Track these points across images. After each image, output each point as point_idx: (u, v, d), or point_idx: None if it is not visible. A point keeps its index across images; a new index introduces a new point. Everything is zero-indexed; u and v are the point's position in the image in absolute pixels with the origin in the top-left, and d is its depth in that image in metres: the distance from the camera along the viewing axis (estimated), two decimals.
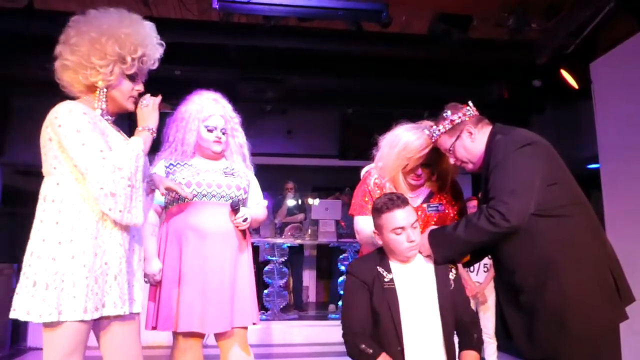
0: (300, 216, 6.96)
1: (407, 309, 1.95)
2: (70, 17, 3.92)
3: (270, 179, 5.00)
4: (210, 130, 2.42)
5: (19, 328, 5.76)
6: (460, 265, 3.82)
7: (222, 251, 2.33)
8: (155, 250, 2.36)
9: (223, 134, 2.45)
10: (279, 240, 6.12)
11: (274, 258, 5.98)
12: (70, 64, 1.68)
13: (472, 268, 4.14)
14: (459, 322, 2.03)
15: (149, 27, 1.77)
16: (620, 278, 1.85)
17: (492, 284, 4.04)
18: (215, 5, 3.42)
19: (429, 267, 2.05)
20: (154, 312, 2.32)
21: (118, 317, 1.67)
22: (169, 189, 2.07)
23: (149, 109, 1.77)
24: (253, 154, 2.66)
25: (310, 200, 7.56)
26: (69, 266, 1.54)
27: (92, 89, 1.71)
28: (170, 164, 2.41)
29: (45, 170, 1.64)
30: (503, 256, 1.95)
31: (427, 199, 2.33)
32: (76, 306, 1.52)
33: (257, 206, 2.56)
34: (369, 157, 2.46)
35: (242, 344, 2.37)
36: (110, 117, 1.78)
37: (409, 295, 1.98)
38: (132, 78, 1.75)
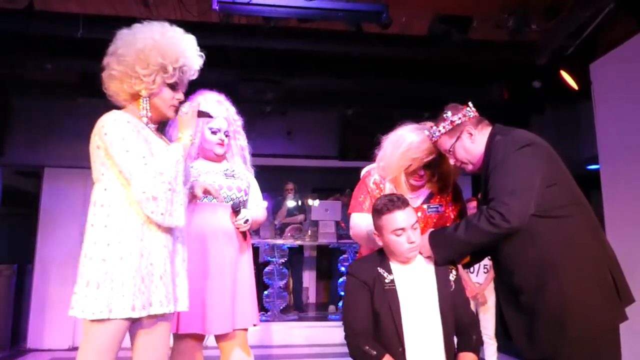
0: (300, 217, 6.97)
1: (407, 310, 1.95)
2: (70, 18, 3.94)
3: (270, 180, 5.00)
4: (214, 133, 2.43)
5: (19, 329, 5.77)
6: (460, 266, 3.82)
7: (223, 252, 2.33)
8: None
9: (226, 136, 2.45)
10: (278, 241, 6.12)
11: (273, 259, 5.98)
12: (117, 74, 1.76)
13: (472, 269, 4.15)
14: (458, 323, 2.03)
15: (190, 40, 1.85)
16: (620, 279, 1.85)
17: (492, 285, 4.04)
18: (215, 6, 3.43)
19: (430, 268, 2.05)
20: None
21: (162, 316, 1.75)
22: (206, 192, 2.15)
23: (188, 116, 1.84)
24: (253, 155, 2.66)
25: (310, 201, 7.57)
26: (117, 267, 1.63)
27: (136, 97, 1.80)
28: None
29: (94, 176, 1.74)
30: (503, 257, 1.95)
31: (427, 200, 2.33)
32: (125, 304, 1.61)
33: (257, 208, 2.57)
34: (369, 158, 2.46)
35: (243, 345, 2.37)
36: (153, 125, 1.86)
37: (409, 296, 1.98)
38: (173, 87, 1.82)
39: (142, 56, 1.73)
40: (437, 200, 2.33)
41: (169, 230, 1.74)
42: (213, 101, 2.47)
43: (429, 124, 2.18)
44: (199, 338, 2.34)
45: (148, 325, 1.76)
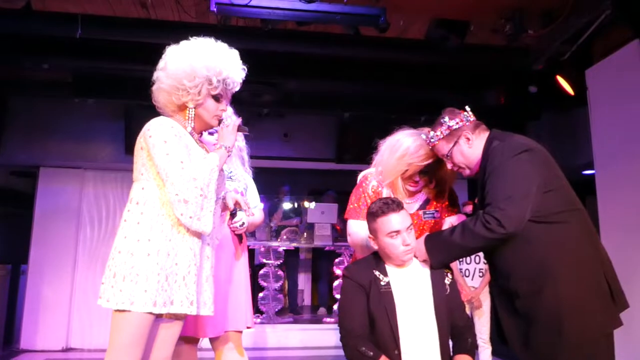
0: (296, 220, 6.96)
1: (403, 313, 1.96)
2: (67, 18, 3.94)
3: (267, 182, 5.00)
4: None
5: (13, 330, 5.74)
6: (456, 270, 3.84)
7: (217, 256, 2.33)
8: None
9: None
10: (274, 244, 6.12)
11: (269, 261, 5.97)
12: (166, 87, 1.85)
13: (467, 273, 4.16)
14: (453, 327, 2.03)
15: (233, 54, 1.94)
16: (615, 284, 1.86)
17: (487, 289, 4.05)
18: (213, 8, 3.42)
19: (425, 272, 2.06)
20: None
21: (179, 317, 1.82)
22: (237, 204, 2.19)
23: (229, 129, 1.91)
24: (250, 157, 2.66)
25: (306, 204, 7.57)
26: (144, 262, 1.69)
27: (182, 108, 1.89)
28: None
29: (134, 176, 1.83)
30: (499, 261, 1.96)
31: (423, 206, 2.33)
32: (147, 299, 1.66)
33: (254, 210, 2.55)
34: (365, 161, 2.46)
35: (237, 347, 2.37)
36: (196, 134, 1.93)
37: (405, 299, 1.98)
38: (217, 98, 1.90)
39: (189, 70, 1.82)
40: (433, 206, 2.34)
41: (197, 234, 1.80)
42: None
43: (426, 129, 2.19)
44: (194, 340, 2.34)
45: (166, 322, 1.81)
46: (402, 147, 2.20)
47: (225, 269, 2.34)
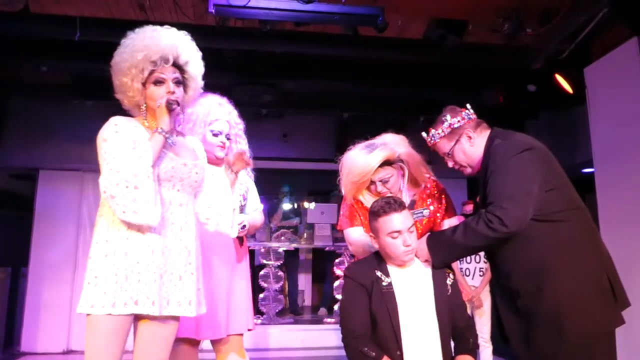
0: (296, 220, 6.95)
1: (405, 313, 1.96)
2: (66, 20, 3.92)
3: (266, 183, 5.00)
4: (215, 135, 2.39)
5: (13, 333, 5.73)
6: (456, 270, 3.84)
7: (219, 258, 2.33)
8: None
9: (227, 139, 2.42)
10: (274, 244, 6.11)
11: (269, 262, 5.97)
12: (117, 89, 1.85)
13: (468, 272, 4.16)
14: (455, 327, 2.03)
15: (151, 30, 1.83)
16: (617, 283, 1.86)
17: (487, 288, 4.05)
18: (212, 9, 3.42)
19: (427, 272, 2.06)
20: None
21: (157, 319, 1.75)
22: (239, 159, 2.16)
23: (160, 109, 1.80)
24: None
25: (306, 204, 7.56)
26: (101, 264, 1.67)
27: (137, 106, 1.86)
28: None
29: None
30: (500, 260, 1.96)
31: (410, 207, 2.33)
32: (105, 301, 1.63)
33: (254, 212, 2.56)
34: None
35: (238, 349, 2.36)
36: (164, 130, 1.85)
37: (407, 299, 1.98)
38: (157, 83, 1.81)
39: (117, 69, 1.81)
40: (421, 204, 2.34)
41: (157, 230, 1.73)
42: (215, 103, 2.45)
43: (429, 129, 2.17)
44: (195, 342, 2.33)
45: (159, 322, 1.77)
46: (344, 169, 2.25)
47: (226, 272, 2.33)
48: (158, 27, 1.85)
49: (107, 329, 1.64)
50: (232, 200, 2.05)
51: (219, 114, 2.42)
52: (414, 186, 2.35)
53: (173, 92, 1.81)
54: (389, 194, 2.22)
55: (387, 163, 2.23)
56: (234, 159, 2.13)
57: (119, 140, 1.70)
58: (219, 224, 2.01)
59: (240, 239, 2.41)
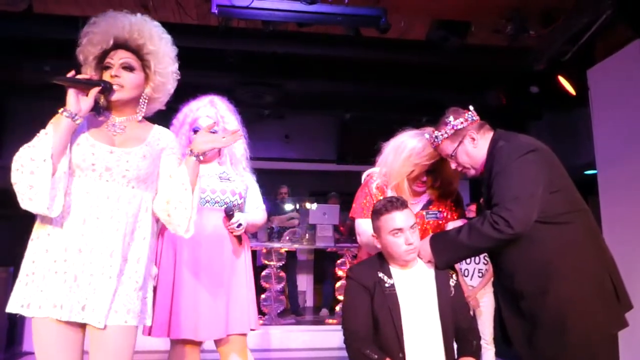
0: (295, 221, 6.93)
1: (408, 315, 1.95)
2: (69, 20, 3.91)
3: (268, 184, 5.00)
4: (195, 132, 2.34)
5: (15, 332, 5.73)
6: (457, 269, 3.82)
7: (216, 257, 2.32)
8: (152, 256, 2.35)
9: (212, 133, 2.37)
10: (276, 245, 6.11)
11: (271, 263, 5.97)
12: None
13: (466, 272, 4.16)
14: (457, 329, 2.02)
15: (106, 17, 1.76)
16: (620, 285, 1.86)
17: (488, 289, 4.04)
18: (214, 10, 3.42)
19: (430, 273, 2.05)
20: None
21: (94, 328, 1.61)
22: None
23: (70, 91, 1.61)
24: (250, 159, 2.65)
25: (307, 205, 7.56)
26: (24, 262, 1.63)
27: None
28: None
29: None
30: (504, 262, 1.95)
31: (426, 206, 2.33)
32: (15, 300, 1.60)
33: (255, 211, 2.54)
34: (367, 162, 2.46)
35: (241, 350, 2.34)
36: (111, 116, 1.77)
37: (409, 301, 1.98)
38: (106, 68, 1.75)
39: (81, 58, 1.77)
40: (436, 206, 2.34)
41: (75, 225, 1.60)
42: (205, 102, 2.44)
43: (430, 128, 2.19)
44: (196, 343, 2.31)
45: (91, 336, 1.64)
46: (407, 148, 2.20)
47: (222, 270, 2.32)
48: (114, 13, 1.77)
49: (37, 330, 1.59)
50: (191, 196, 1.77)
51: (202, 112, 2.40)
52: (440, 194, 2.34)
53: (115, 76, 1.71)
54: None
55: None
56: (196, 138, 1.84)
57: (44, 132, 1.60)
58: (173, 217, 1.76)
59: (238, 237, 2.39)
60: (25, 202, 1.53)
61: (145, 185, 1.76)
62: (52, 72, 1.58)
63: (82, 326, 1.62)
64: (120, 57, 1.74)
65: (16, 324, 5.78)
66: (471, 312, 4.00)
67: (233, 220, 2.34)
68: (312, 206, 6.73)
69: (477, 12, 3.90)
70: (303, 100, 5.72)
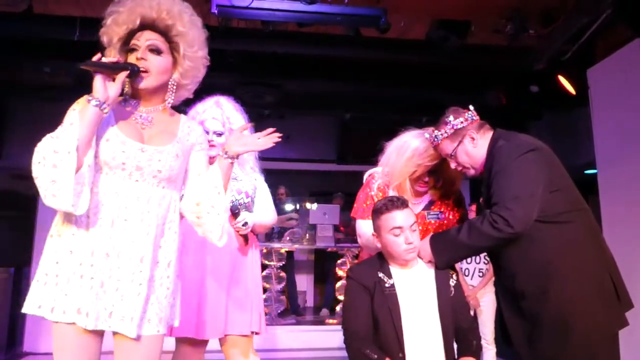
0: (294, 222, 6.93)
1: (408, 315, 1.95)
2: (68, 21, 3.91)
3: (268, 184, 5.00)
4: (219, 135, 2.36)
5: (16, 333, 5.73)
6: (457, 269, 3.82)
7: (220, 256, 2.30)
8: None
9: (218, 135, 2.37)
10: (276, 245, 6.11)
11: (271, 263, 5.97)
12: None
13: (467, 272, 4.16)
14: (457, 329, 2.02)
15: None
16: (620, 284, 1.86)
17: (489, 289, 4.04)
18: (214, 10, 3.42)
19: (430, 273, 2.05)
20: None
21: (124, 337, 1.51)
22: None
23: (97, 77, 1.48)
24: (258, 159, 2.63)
25: (308, 205, 7.56)
26: (45, 261, 1.52)
27: None
28: None
29: None
30: (504, 261, 1.95)
31: (427, 207, 2.33)
32: (38, 301, 1.48)
33: (263, 211, 2.49)
34: (367, 162, 2.45)
35: (244, 352, 2.31)
36: (137, 105, 1.65)
37: (409, 301, 1.98)
38: (131, 51, 1.61)
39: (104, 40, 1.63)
40: (438, 207, 2.34)
41: (103, 227, 1.49)
42: (211, 103, 2.44)
43: (431, 128, 2.19)
44: (200, 343, 2.30)
45: (117, 346, 1.55)
46: (410, 148, 2.20)
47: (227, 270, 2.31)
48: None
49: (58, 337, 1.49)
50: (224, 200, 1.68)
51: (208, 114, 2.39)
52: (442, 194, 2.34)
53: (142, 59, 1.58)
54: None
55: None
56: (230, 139, 1.77)
57: (67, 117, 1.49)
58: (205, 224, 1.67)
59: (244, 237, 2.36)
60: (49, 198, 1.40)
61: (175, 185, 1.65)
62: (80, 63, 1.42)
63: (102, 332, 1.52)
64: (147, 38, 1.60)
65: (17, 324, 5.78)
66: (471, 312, 4.00)
67: (238, 219, 2.31)
68: (312, 206, 6.74)
69: (477, 11, 3.90)
70: (303, 100, 5.72)
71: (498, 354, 4.03)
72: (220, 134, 2.39)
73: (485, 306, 4.04)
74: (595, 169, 4.20)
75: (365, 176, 2.46)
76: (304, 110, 6.11)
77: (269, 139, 1.78)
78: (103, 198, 1.51)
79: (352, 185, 2.50)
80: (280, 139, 1.79)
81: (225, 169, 1.70)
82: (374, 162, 2.42)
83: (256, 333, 2.35)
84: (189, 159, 1.72)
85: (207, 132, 2.35)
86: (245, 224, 2.33)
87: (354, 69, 4.96)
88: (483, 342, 3.96)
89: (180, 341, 2.30)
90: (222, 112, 2.43)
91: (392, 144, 2.31)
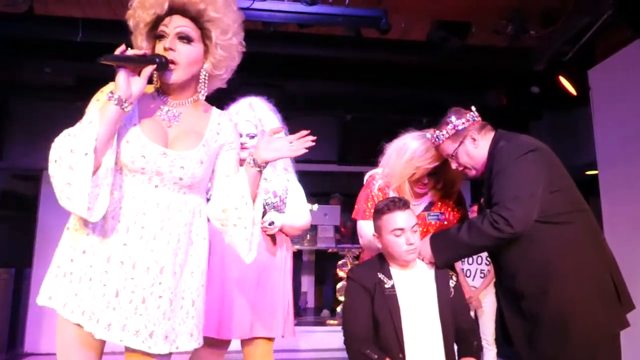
0: None
1: (408, 316, 1.95)
2: (70, 21, 3.91)
3: None
4: (251, 137, 2.34)
5: (16, 333, 5.74)
6: (457, 269, 3.84)
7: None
8: None
9: (251, 138, 2.36)
10: None
11: None
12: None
13: (469, 273, 4.16)
14: (458, 330, 2.02)
15: None
16: (621, 285, 1.86)
17: (490, 290, 4.04)
18: None
19: (430, 274, 2.05)
20: None
21: (140, 352, 1.41)
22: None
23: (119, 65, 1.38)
24: None
25: (308, 206, 7.57)
26: (60, 253, 1.45)
27: None
28: None
29: None
30: (505, 262, 1.95)
31: (427, 208, 2.33)
32: (49, 292, 1.41)
33: (295, 213, 2.44)
34: (368, 163, 2.45)
35: (263, 355, 2.27)
36: (166, 98, 1.53)
37: (409, 301, 1.98)
38: (159, 37, 1.48)
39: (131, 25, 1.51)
40: (438, 207, 2.34)
41: (119, 233, 1.40)
42: (244, 104, 2.43)
43: (432, 129, 2.19)
44: (221, 345, 2.27)
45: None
46: (409, 150, 2.20)
47: (252, 270, 2.25)
48: None
49: (63, 333, 1.41)
50: (253, 212, 1.55)
51: (241, 116, 2.37)
52: (443, 195, 2.34)
53: (170, 49, 1.45)
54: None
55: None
56: (260, 144, 1.61)
57: (88, 111, 1.41)
58: (232, 236, 1.56)
59: (272, 237, 2.32)
60: (64, 200, 1.31)
61: (198, 189, 1.53)
62: (104, 55, 1.35)
63: (104, 342, 1.45)
64: (176, 24, 1.46)
65: (17, 325, 5.79)
66: (472, 313, 4.00)
67: (264, 218, 2.27)
68: (313, 207, 6.73)
69: (477, 12, 3.90)
70: (304, 101, 5.72)
71: (499, 354, 4.03)
72: (253, 137, 2.37)
73: (487, 307, 4.04)
74: (596, 169, 4.19)
75: (366, 177, 2.46)
76: (305, 111, 6.11)
77: (301, 143, 1.62)
78: (122, 202, 1.42)
79: (353, 186, 2.49)
80: (314, 143, 1.64)
81: (253, 177, 1.56)
82: (374, 163, 2.42)
83: (282, 336, 2.30)
84: (216, 160, 1.59)
85: (240, 135, 2.31)
86: (272, 223, 2.28)
87: (354, 69, 4.96)
88: (484, 342, 3.96)
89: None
90: (255, 113, 2.40)
91: (392, 146, 2.31)
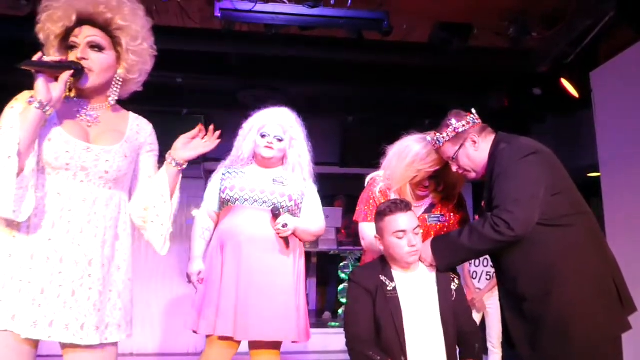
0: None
1: (409, 319, 1.95)
2: None
3: None
4: (263, 136, 2.45)
5: None
6: (465, 270, 3.83)
7: (258, 257, 2.29)
8: (200, 252, 2.42)
9: (278, 141, 2.45)
10: None
11: None
12: None
13: (474, 275, 4.15)
14: (460, 333, 2.02)
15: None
16: (623, 288, 1.85)
17: (492, 292, 4.03)
18: (217, 13, 3.44)
19: (431, 277, 2.05)
20: (196, 316, 2.33)
21: (79, 347, 1.43)
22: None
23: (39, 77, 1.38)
24: None
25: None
26: None
27: None
28: (227, 171, 2.47)
29: None
30: (506, 264, 1.95)
31: (428, 210, 2.33)
32: None
33: (310, 218, 2.49)
34: (369, 165, 2.45)
35: (272, 358, 2.30)
36: (86, 102, 1.57)
37: (411, 304, 1.98)
38: (71, 48, 1.52)
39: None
40: (439, 210, 2.34)
41: (43, 229, 1.41)
42: (273, 110, 2.53)
43: (433, 132, 2.19)
44: (231, 346, 2.29)
45: (75, 355, 1.47)
46: (411, 154, 2.20)
47: (266, 272, 2.28)
48: None
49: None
50: (170, 209, 1.61)
51: (269, 119, 2.48)
52: (443, 198, 2.34)
53: (83, 58, 1.49)
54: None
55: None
56: (176, 145, 1.67)
57: (5, 117, 1.42)
58: (149, 231, 1.62)
59: (286, 240, 2.35)
60: None
61: (123, 185, 1.59)
62: (24, 61, 1.35)
63: (37, 341, 1.44)
64: (86, 35, 1.51)
65: None
66: (478, 316, 3.99)
67: (278, 220, 2.32)
68: None
69: (479, 14, 3.90)
70: (305, 103, 5.72)
71: (504, 357, 4.01)
72: (280, 140, 2.46)
73: (492, 309, 4.03)
74: (598, 172, 4.18)
75: (367, 179, 2.46)
76: (306, 113, 6.10)
77: (214, 140, 1.70)
78: (45, 200, 1.43)
79: (355, 189, 2.49)
80: (219, 140, 1.71)
81: (174, 176, 1.63)
82: (376, 165, 2.42)
83: (294, 342, 2.33)
84: (138, 159, 1.66)
85: (265, 136, 2.44)
86: (285, 225, 2.32)
87: (356, 72, 4.96)
88: (489, 345, 3.95)
89: (210, 341, 2.29)
90: (284, 118, 2.53)
91: (393, 148, 2.31)
